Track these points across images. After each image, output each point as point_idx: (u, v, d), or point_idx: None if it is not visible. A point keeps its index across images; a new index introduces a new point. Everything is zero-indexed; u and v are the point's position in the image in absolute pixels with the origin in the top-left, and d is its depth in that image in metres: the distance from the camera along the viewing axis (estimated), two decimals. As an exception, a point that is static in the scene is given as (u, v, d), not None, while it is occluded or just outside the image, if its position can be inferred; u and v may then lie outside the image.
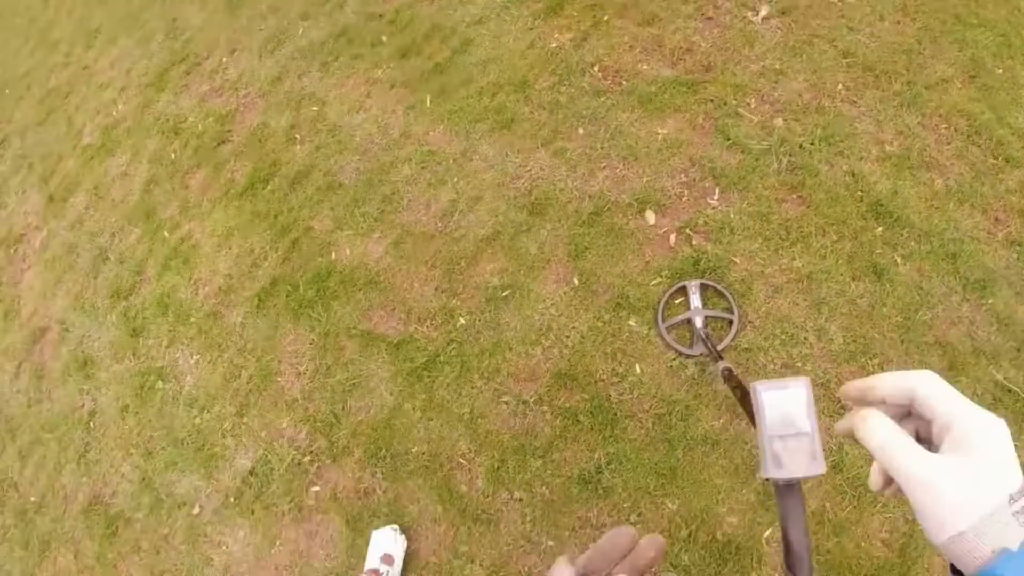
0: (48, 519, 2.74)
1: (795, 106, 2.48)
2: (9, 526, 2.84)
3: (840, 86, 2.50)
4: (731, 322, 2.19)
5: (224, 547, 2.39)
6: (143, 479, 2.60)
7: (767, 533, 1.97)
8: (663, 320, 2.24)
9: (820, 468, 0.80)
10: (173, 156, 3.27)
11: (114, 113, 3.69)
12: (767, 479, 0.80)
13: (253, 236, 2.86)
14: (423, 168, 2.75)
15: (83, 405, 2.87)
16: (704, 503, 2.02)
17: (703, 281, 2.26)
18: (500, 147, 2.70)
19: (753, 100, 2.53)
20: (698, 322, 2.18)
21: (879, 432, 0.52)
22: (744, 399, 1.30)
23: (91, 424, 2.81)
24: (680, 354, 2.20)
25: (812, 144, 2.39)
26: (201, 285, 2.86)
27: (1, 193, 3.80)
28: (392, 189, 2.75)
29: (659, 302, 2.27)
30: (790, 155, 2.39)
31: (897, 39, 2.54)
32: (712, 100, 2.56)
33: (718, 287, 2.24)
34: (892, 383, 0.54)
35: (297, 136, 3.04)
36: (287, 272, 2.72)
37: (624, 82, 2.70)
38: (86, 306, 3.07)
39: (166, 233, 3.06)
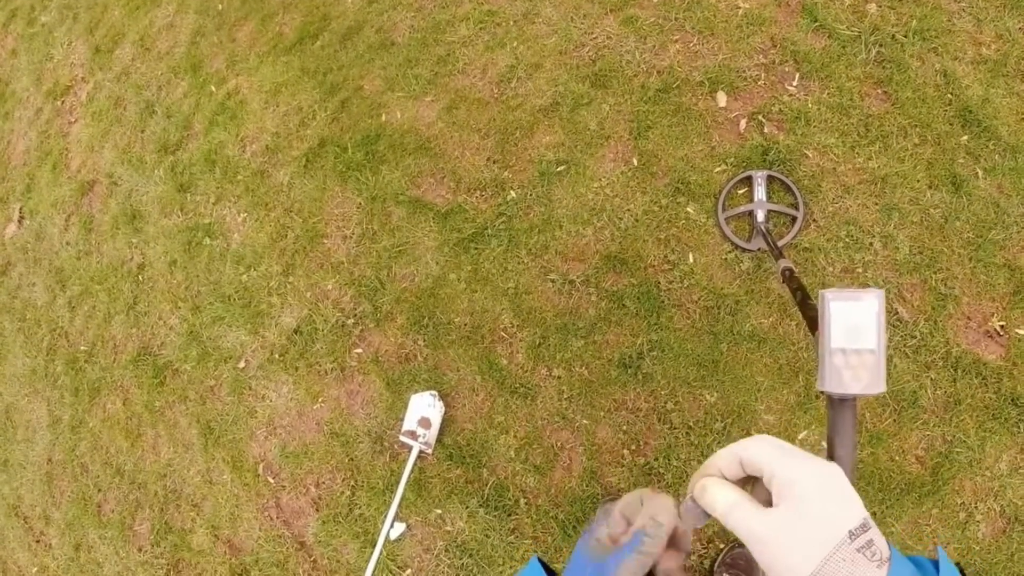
0: (98, 367, 2.97)
1: (893, -11, 2.33)
2: (59, 374, 3.08)
3: (944, -28, 2.32)
4: (795, 219, 2.17)
5: (268, 400, 2.57)
6: (190, 332, 2.77)
7: (802, 435, 2.04)
8: (723, 210, 2.22)
9: (881, 387, 0.80)
10: (220, 7, 3.24)
11: (160, -40, 3.64)
12: (822, 392, 0.81)
13: (301, 94, 2.87)
14: (481, 29, 2.69)
15: (132, 258, 3.02)
16: (743, 399, 2.09)
17: (770, 172, 2.22)
18: (565, 10, 2.61)
19: (849, -22, 2.38)
20: (760, 215, 2.16)
21: (719, 497, 0.52)
22: (804, 303, 1.31)
23: (140, 277, 2.97)
24: (737, 247, 2.20)
25: (905, 36, 2.26)
26: (248, 142, 2.91)
27: (47, 44, 3.83)
28: (447, 50, 2.70)
29: (721, 190, 2.25)
30: (880, 45, 2.27)
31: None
32: (803, -27, 2.42)
33: (786, 180, 2.21)
34: (725, 456, 0.54)
35: (349, -11, 2.98)
36: (335, 133, 2.75)
37: (707, -53, 2.55)
38: (133, 160, 3.17)
39: (213, 88, 3.09)
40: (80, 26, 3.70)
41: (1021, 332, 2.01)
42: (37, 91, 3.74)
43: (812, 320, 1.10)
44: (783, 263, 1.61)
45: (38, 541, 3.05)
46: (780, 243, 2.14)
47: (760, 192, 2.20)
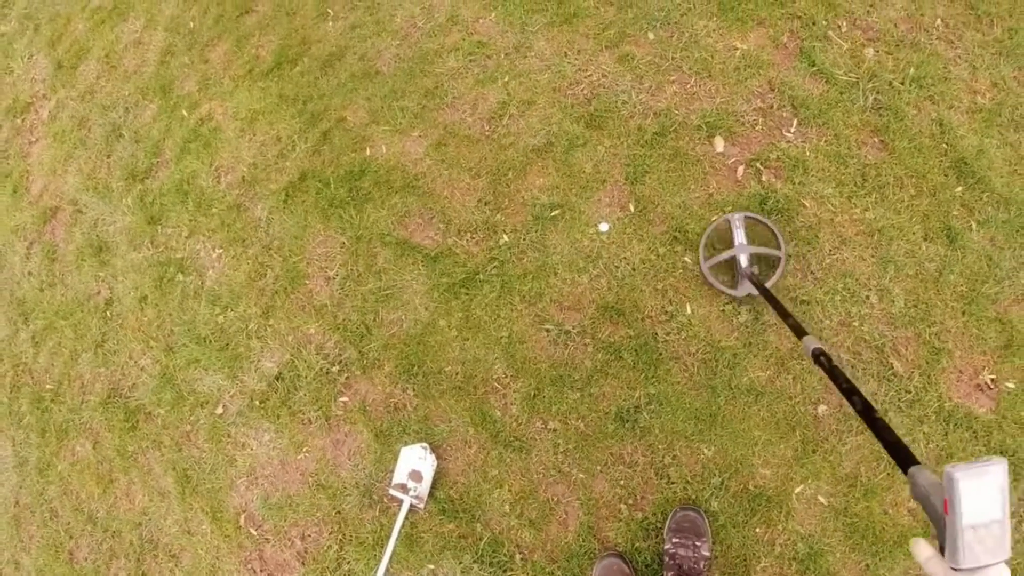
0: (65, 408, 2.85)
1: (889, 37, 2.33)
2: (24, 413, 2.96)
3: (939, 21, 2.33)
4: (778, 260, 2.16)
5: (248, 449, 2.49)
6: (164, 374, 2.67)
7: (798, 489, 2.05)
8: (705, 259, 2.21)
9: (1007, 552, 0.86)
10: (192, 25, 3.11)
11: (123, -31, 3.48)
12: (956, 569, 0.84)
13: (280, 123, 2.77)
14: (471, 61, 2.62)
15: (99, 292, 2.90)
16: (740, 453, 2.09)
17: (747, 214, 2.21)
18: (559, 45, 2.56)
19: (845, 23, 2.37)
20: (743, 260, 2.14)
21: (922, 554, 0.90)
22: (848, 393, 1.26)
23: (108, 313, 2.85)
24: (725, 295, 2.20)
25: (902, 83, 2.27)
26: (223, 173, 2.81)
27: (7, 56, 3.64)
28: (435, 82, 2.63)
29: (701, 237, 2.23)
30: (878, 92, 2.28)
31: (1007, -23, 2.35)
32: (800, 17, 2.40)
33: (765, 221, 2.20)
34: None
35: (330, 11, 2.88)
36: (317, 166, 2.66)
37: (703, -17, 2.52)
38: (99, 187, 3.04)
39: (184, 112, 2.96)
40: (41, 39, 3.52)
41: (1011, 386, 2.04)
42: (-6, 107, 3.56)
43: (881, 436, 1.09)
44: (811, 344, 1.47)
45: (4, 587, 2.94)
46: (768, 284, 2.13)
47: (740, 236, 2.18)
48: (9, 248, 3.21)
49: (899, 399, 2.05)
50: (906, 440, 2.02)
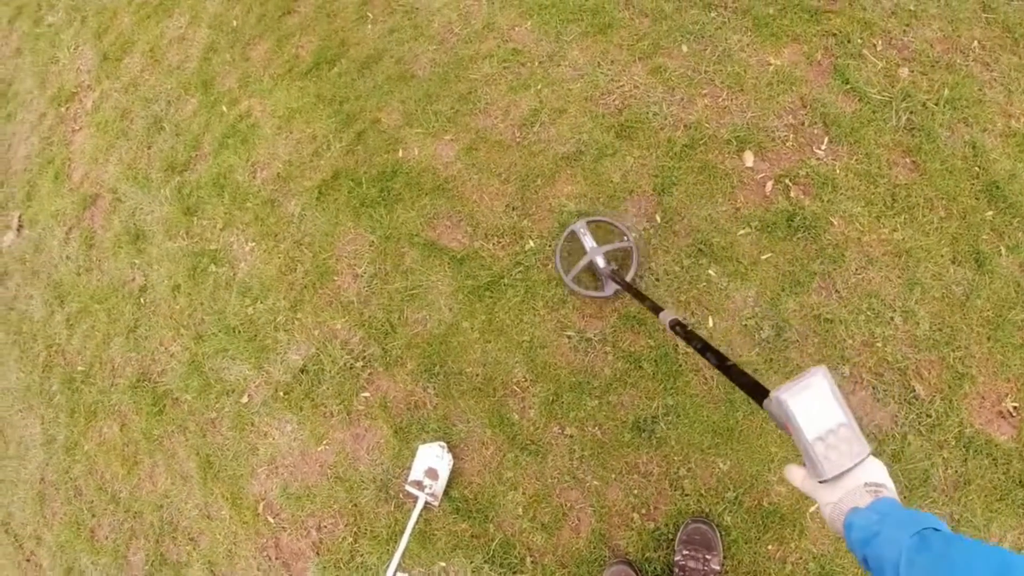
0: (95, 390, 2.94)
1: (924, 57, 2.33)
2: (55, 392, 3.05)
3: (975, 43, 2.33)
4: (629, 250, 2.25)
5: (270, 438, 2.55)
6: (192, 361, 2.74)
7: (813, 508, 2.05)
8: (566, 272, 2.27)
9: (866, 449, 0.92)
10: (235, 23, 3.19)
11: (171, -33, 3.58)
12: (824, 481, 0.88)
13: (316, 122, 2.84)
14: (505, 68, 2.66)
15: (134, 279, 2.99)
16: (756, 469, 2.09)
17: (589, 219, 2.29)
18: (592, 55, 2.59)
19: (880, 42, 2.37)
20: (600, 261, 2.18)
21: (795, 477, 0.98)
22: (703, 350, 1.34)
23: (141, 300, 2.94)
24: (596, 299, 2.27)
25: (936, 104, 2.26)
26: (259, 168, 2.88)
27: (53, 46, 3.76)
28: (469, 88, 2.68)
29: (554, 255, 2.32)
30: (911, 113, 2.27)
31: (1046, 2, 2.34)
32: (835, 34, 2.41)
33: (606, 220, 2.30)
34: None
35: (369, 15, 2.94)
36: (350, 166, 2.72)
37: (740, -2, 2.53)
38: (139, 176, 3.13)
39: (224, 108, 3.04)
40: (88, 30, 3.64)
41: (1036, 414, 2.03)
42: (41, 95, 3.68)
43: (742, 384, 1.12)
44: (668, 316, 1.59)
45: (28, 560, 3.03)
46: (628, 277, 2.22)
47: (588, 240, 2.23)
48: (49, 232, 3.32)
49: (919, 423, 2.04)
50: (924, 464, 2.02)
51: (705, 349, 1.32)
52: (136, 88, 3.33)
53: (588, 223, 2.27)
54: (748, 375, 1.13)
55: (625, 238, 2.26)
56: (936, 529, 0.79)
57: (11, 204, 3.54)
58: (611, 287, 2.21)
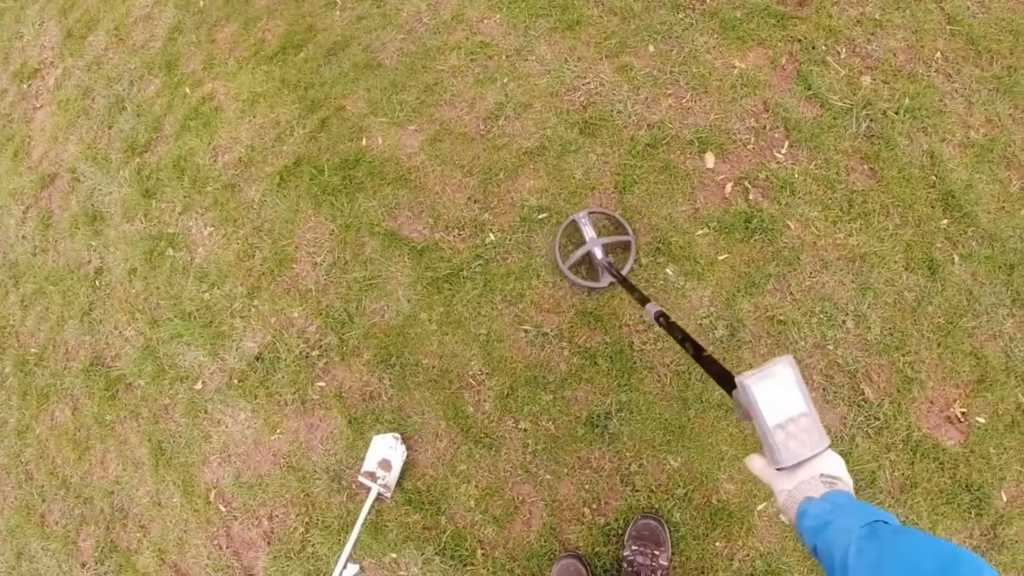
0: (48, 372, 2.88)
1: (887, 66, 2.36)
2: (8, 374, 2.99)
3: (938, 54, 2.36)
4: (628, 244, 2.26)
5: (224, 426, 2.52)
6: (147, 346, 2.70)
7: (761, 506, 2.08)
8: (563, 260, 2.28)
9: (825, 441, 0.91)
10: (201, 3, 3.14)
11: (138, -58, 3.50)
12: (780, 469, 0.89)
13: (280, 107, 2.80)
14: (472, 60, 2.65)
15: (90, 261, 2.93)
16: (706, 466, 2.12)
17: (591, 210, 2.30)
18: (560, 51, 2.59)
19: (844, 49, 2.40)
20: (598, 253, 2.20)
21: (755, 466, 0.99)
22: (682, 340, 1.36)
23: (97, 282, 2.88)
24: (589, 288, 2.28)
25: (896, 113, 2.29)
26: (221, 152, 2.84)
27: (18, 21, 3.67)
28: (435, 79, 2.66)
29: (553, 241, 2.32)
30: (871, 120, 2.30)
31: (1009, 16, 2.38)
32: (800, 40, 2.43)
33: (608, 212, 2.31)
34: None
35: (338, 1, 2.90)
36: (313, 152, 2.69)
37: (708, 0, 2.54)
38: (98, 157, 3.06)
39: (187, 89, 2.99)
40: (54, 6, 3.55)
41: (981, 420, 2.07)
42: (3, 70, 3.59)
43: (716, 376, 1.14)
44: (652, 309, 1.63)
45: (-25, 544, 2.97)
46: (624, 270, 2.24)
47: (589, 231, 2.24)
48: (5, 211, 3.24)
49: (868, 425, 2.08)
50: (871, 466, 2.06)
51: (684, 339, 1.35)
52: (99, 67, 3.26)
53: (590, 214, 2.26)
54: (719, 364, 1.15)
55: (627, 232, 2.26)
56: (886, 522, 0.80)
57: (-33, 181, 3.46)
58: (606, 278, 2.21)
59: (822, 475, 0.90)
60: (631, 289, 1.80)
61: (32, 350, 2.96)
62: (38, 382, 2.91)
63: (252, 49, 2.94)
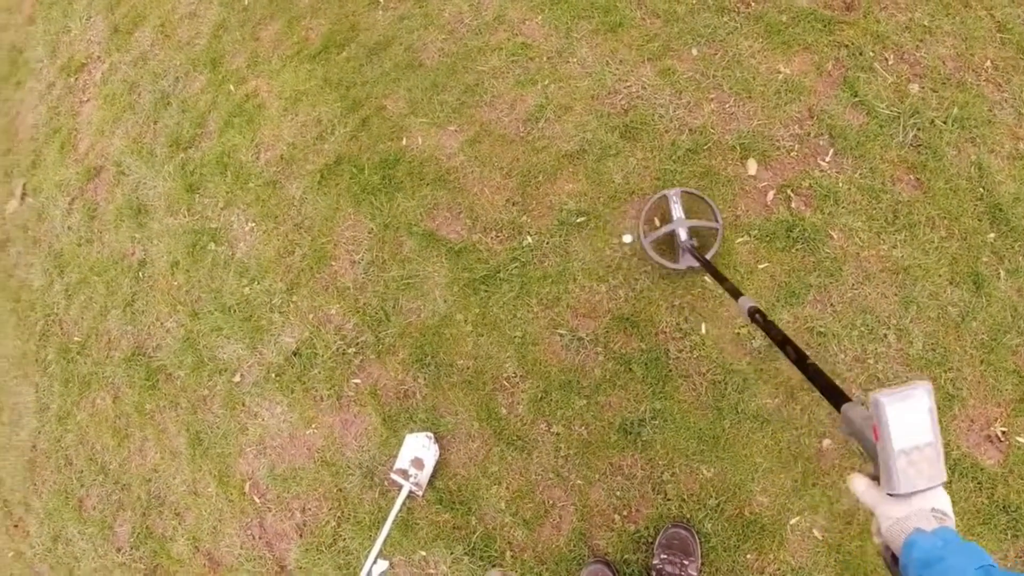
0: (90, 361, 2.99)
1: (936, 74, 2.33)
2: (51, 361, 3.11)
3: (988, 63, 2.33)
4: (716, 231, 2.24)
5: (260, 419, 2.60)
6: (187, 338, 2.79)
7: (794, 520, 2.08)
8: (645, 234, 2.27)
9: (943, 476, 0.90)
10: (246, 1, 3.22)
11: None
12: (891, 494, 0.88)
13: (322, 105, 2.87)
14: (513, 62, 2.68)
15: (133, 253, 3.04)
16: (739, 478, 2.12)
17: (684, 189, 2.28)
18: (602, 53, 2.61)
19: (891, 56, 2.38)
20: (682, 234, 2.19)
21: (859, 486, 0.95)
22: (782, 344, 1.32)
23: (140, 274, 2.98)
24: (665, 268, 2.27)
25: (944, 122, 2.27)
26: (263, 149, 2.91)
27: (66, 16, 3.80)
28: (476, 79, 2.70)
29: (639, 214, 2.31)
30: (918, 129, 2.28)
31: (1061, 26, 2.33)
32: (847, 46, 2.41)
33: (701, 196, 2.28)
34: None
35: (381, 0, 2.96)
36: (353, 151, 2.75)
37: (753, 3, 2.55)
38: (143, 151, 3.17)
39: (231, 87, 3.07)
40: (101, 2, 3.67)
41: (1021, 440, 2.04)
42: (51, 64, 3.73)
43: (809, 375, 1.12)
44: (746, 303, 1.56)
45: (16, 526, 3.10)
46: (708, 256, 2.20)
47: (677, 210, 2.24)
48: (52, 202, 3.37)
49: (907, 442, 2.06)
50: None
51: (784, 343, 1.30)
52: (145, 62, 3.36)
53: (682, 193, 2.26)
54: (828, 377, 1.12)
55: (715, 219, 2.25)
56: (993, 566, 0.80)
57: (16, 172, 3.59)
58: (685, 261, 2.21)
59: (933, 509, 0.88)
60: (719, 277, 1.77)
61: (75, 339, 3.07)
62: (80, 370, 3.02)
63: (295, 47, 3.01)
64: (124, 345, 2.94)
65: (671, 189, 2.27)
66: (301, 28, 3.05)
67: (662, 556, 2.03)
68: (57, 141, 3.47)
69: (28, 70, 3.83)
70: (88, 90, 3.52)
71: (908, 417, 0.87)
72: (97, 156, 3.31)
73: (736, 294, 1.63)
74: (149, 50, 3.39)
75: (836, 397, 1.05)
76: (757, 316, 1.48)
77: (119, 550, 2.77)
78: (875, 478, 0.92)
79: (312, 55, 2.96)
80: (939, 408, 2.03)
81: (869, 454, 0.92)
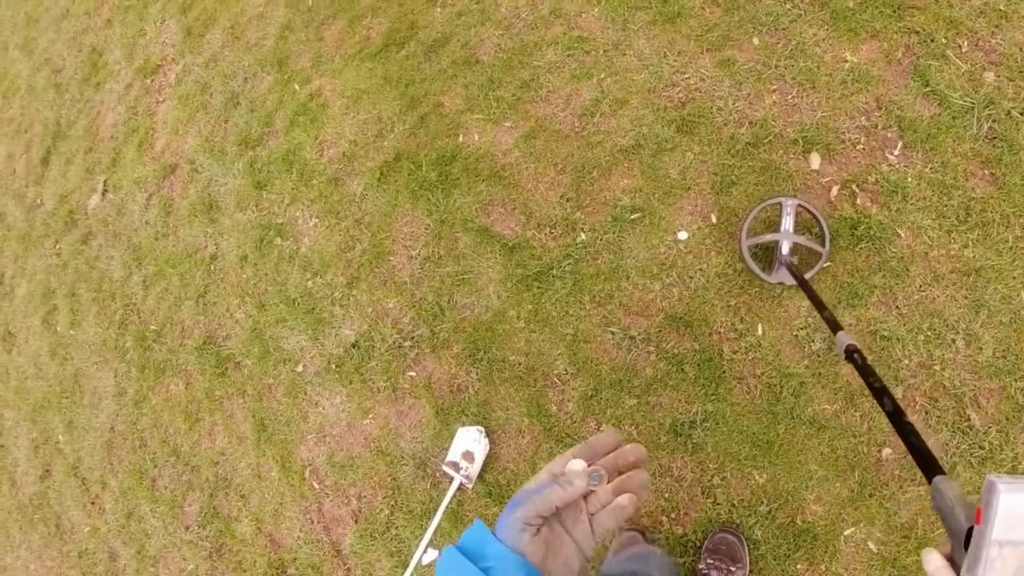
0: (165, 348, 3.19)
1: (1012, 62, 2.21)
2: (128, 348, 3.33)
3: (1071, 50, 2.19)
4: (821, 256, 2.15)
5: (320, 408, 2.71)
6: (254, 328, 2.94)
7: (848, 531, 2.03)
8: (747, 236, 2.20)
9: None
10: (310, 2, 3.34)
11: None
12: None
13: (382, 103, 2.95)
14: (569, 56, 2.69)
15: (206, 247, 3.21)
16: (793, 485, 2.09)
17: (801, 203, 2.18)
18: (659, 45, 2.59)
19: (965, 43, 2.27)
20: (785, 247, 2.12)
21: (933, 563, 0.84)
22: (879, 393, 1.23)
23: (212, 267, 3.16)
24: (757, 277, 2.19)
25: (1022, 114, 2.15)
26: (326, 147, 3.03)
27: (141, 19, 4.04)
28: (532, 75, 2.72)
29: (748, 213, 2.22)
30: (993, 121, 2.17)
31: None
32: (918, 32, 2.32)
33: (816, 214, 2.17)
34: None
35: (439, -3, 3.02)
36: (412, 148, 2.82)
37: (819, -10, 2.47)
38: (215, 149, 3.34)
39: (296, 86, 3.20)
40: (174, 5, 3.88)
41: (1107, 453, 1.94)
42: (128, 66, 3.96)
43: (903, 427, 1.07)
44: (844, 340, 1.45)
45: (93, 503, 3.33)
46: (807, 275, 2.11)
47: (788, 222, 2.16)
48: (130, 198, 3.59)
49: (971, 453, 1.99)
50: (971, 499, 1.97)
51: (882, 393, 1.21)
52: (216, 64, 3.54)
53: (799, 206, 2.18)
54: (924, 442, 1.07)
55: (823, 244, 2.15)
56: None
57: (98, 169, 3.84)
58: (779, 276, 2.16)
59: None
60: (817, 304, 1.70)
61: (152, 327, 3.28)
62: (156, 357, 3.22)
63: (357, 46, 3.11)
64: (196, 334, 3.12)
65: (789, 198, 2.19)
66: (362, 27, 3.14)
67: (708, 561, 2.02)
68: (135, 140, 3.69)
69: (107, 72, 4.08)
70: (163, 91, 3.73)
71: (1019, 509, 0.84)
72: (172, 154, 3.51)
73: (835, 327, 1.56)
74: (220, 51, 3.56)
75: (930, 466, 1.01)
76: (856, 356, 1.39)
77: (187, 528, 2.95)
78: (950, 560, 0.88)
79: (373, 54, 3.05)
80: (1011, 418, 1.96)
81: (953, 534, 0.89)
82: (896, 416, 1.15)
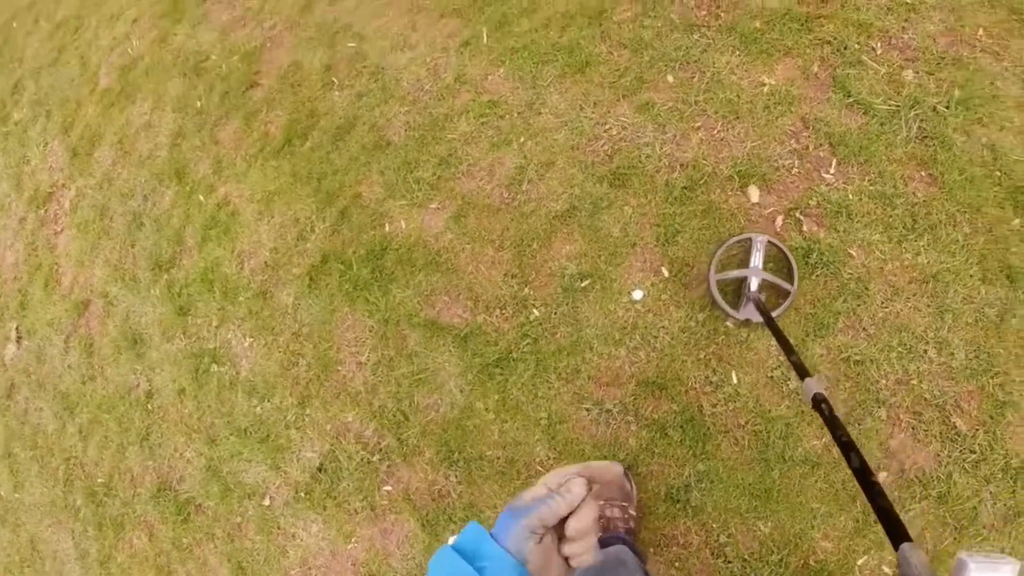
0: (118, 502, 2.99)
1: (928, 55, 2.21)
2: (80, 506, 3.11)
3: (981, 31, 2.20)
4: (789, 294, 2.12)
5: (298, 540, 2.57)
6: (209, 466, 2.77)
7: (861, 560, 2.01)
8: (715, 271, 2.17)
9: None
10: (199, 104, 3.16)
11: (129, 51, 3.54)
12: None
13: (296, 203, 2.81)
14: (483, 124, 2.60)
15: (139, 385, 3.01)
16: (799, 527, 2.06)
17: (771, 239, 2.15)
18: (573, 97, 2.51)
19: (879, 44, 2.26)
20: (753, 284, 2.10)
21: None
22: (846, 448, 1.20)
23: (149, 406, 2.96)
24: (724, 313, 2.16)
25: (947, 107, 2.15)
26: (246, 258, 2.86)
27: (23, 145, 3.78)
28: (448, 149, 2.62)
29: (717, 248, 2.19)
30: (921, 120, 2.17)
31: (1048, -25, 2.20)
32: (830, 42, 2.30)
33: (787, 252, 2.15)
34: None
35: (335, 80, 2.88)
36: (337, 247, 2.69)
37: (722, 14, 2.43)
38: (126, 278, 3.13)
39: (201, 197, 3.02)
40: (55, 125, 3.64)
41: (1089, 439, 1.96)
42: (18, 197, 3.70)
43: (870, 487, 1.05)
44: (812, 387, 1.41)
45: None
46: (774, 314, 2.09)
47: (757, 258, 2.13)
48: (47, 342, 3.35)
49: (964, 459, 1.98)
50: (972, 503, 1.97)
51: (848, 447, 1.18)
52: (111, 183, 3.32)
53: (768, 243, 2.15)
54: (891, 504, 1.04)
55: (792, 282, 2.13)
56: None
57: (7, 315, 3.58)
58: (746, 312, 2.12)
59: None
60: (784, 345, 1.66)
61: (99, 480, 3.07)
62: (110, 511, 3.01)
63: (258, 145, 2.95)
64: (148, 481, 2.92)
65: (759, 234, 2.15)
66: (259, 123, 2.98)
67: None
68: (40, 278, 3.45)
69: (-3, 208, 3.82)
70: (60, 220, 3.49)
71: None
72: (82, 289, 3.29)
73: (803, 372, 1.52)
74: (112, 169, 3.35)
75: (897, 533, 0.99)
76: (823, 407, 1.36)
77: None
78: None
79: (276, 150, 2.90)
80: (994, 416, 1.96)
81: None
82: (862, 475, 1.12)
